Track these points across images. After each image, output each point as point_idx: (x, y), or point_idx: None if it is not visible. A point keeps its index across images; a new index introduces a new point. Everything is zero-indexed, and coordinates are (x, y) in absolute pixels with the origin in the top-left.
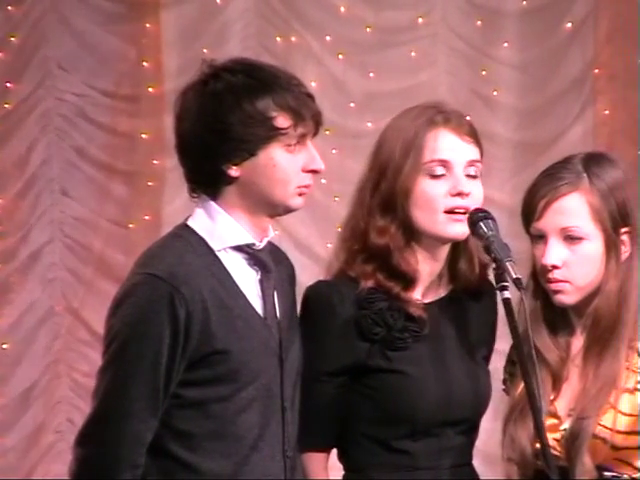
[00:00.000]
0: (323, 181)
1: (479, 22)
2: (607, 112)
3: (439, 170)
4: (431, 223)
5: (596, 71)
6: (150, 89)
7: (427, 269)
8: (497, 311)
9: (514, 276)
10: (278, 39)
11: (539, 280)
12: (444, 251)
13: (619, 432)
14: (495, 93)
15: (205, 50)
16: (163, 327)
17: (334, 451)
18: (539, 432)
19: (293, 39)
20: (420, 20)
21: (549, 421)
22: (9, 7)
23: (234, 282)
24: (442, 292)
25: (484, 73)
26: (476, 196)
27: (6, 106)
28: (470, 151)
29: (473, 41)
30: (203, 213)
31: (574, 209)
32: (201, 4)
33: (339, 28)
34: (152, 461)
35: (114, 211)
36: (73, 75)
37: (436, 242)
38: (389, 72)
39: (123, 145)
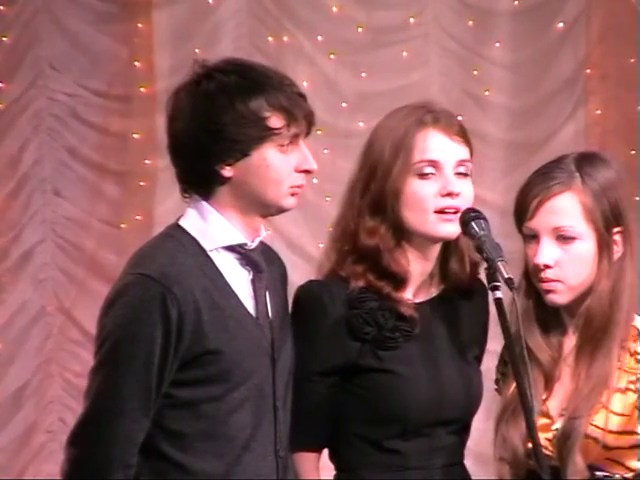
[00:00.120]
0: (315, 181)
1: (471, 22)
2: (599, 112)
3: (429, 170)
4: (421, 223)
5: (588, 71)
6: (142, 89)
7: (418, 269)
8: (489, 311)
9: (506, 276)
10: (270, 39)
11: (531, 280)
12: (435, 250)
13: (611, 432)
14: (487, 93)
15: (197, 50)
16: (155, 327)
17: (325, 451)
18: (531, 432)
19: (285, 39)
20: (412, 20)
21: (541, 421)
22: (1, 7)
23: (226, 282)
24: (433, 292)
25: (476, 73)
26: (466, 195)
27: None
28: (460, 151)
29: (465, 41)
30: (195, 213)
31: (567, 209)
32: (193, 4)
33: (331, 28)
34: (144, 461)
35: (106, 211)
36: (65, 75)
37: (427, 241)
38: (381, 72)
39: (115, 145)
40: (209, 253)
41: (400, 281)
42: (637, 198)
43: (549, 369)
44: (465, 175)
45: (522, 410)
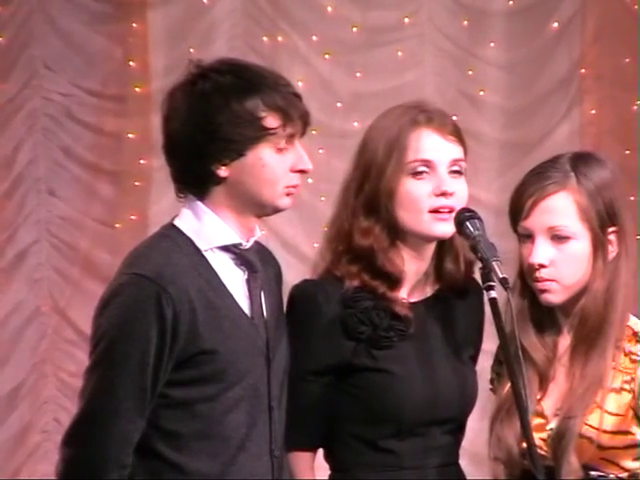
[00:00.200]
0: (310, 181)
1: (466, 22)
2: (594, 112)
3: (422, 170)
4: (416, 223)
5: (583, 71)
6: (137, 89)
7: (413, 268)
8: (484, 310)
9: (501, 276)
10: (265, 39)
11: (526, 279)
12: (430, 250)
13: (605, 432)
14: (482, 93)
15: (192, 50)
16: (150, 327)
17: (320, 451)
18: (525, 432)
19: (280, 39)
20: (407, 20)
21: (536, 421)
22: None
23: (221, 282)
24: (428, 291)
25: (471, 73)
26: (460, 195)
27: None
28: (453, 150)
29: (459, 41)
30: (190, 213)
31: (561, 208)
32: (188, 4)
33: (326, 28)
34: (139, 461)
35: (100, 211)
36: (60, 75)
37: (421, 241)
38: (376, 72)
39: (110, 145)
40: (204, 253)
41: (395, 281)
42: (632, 198)
43: (544, 369)
44: (459, 174)
45: (517, 410)
